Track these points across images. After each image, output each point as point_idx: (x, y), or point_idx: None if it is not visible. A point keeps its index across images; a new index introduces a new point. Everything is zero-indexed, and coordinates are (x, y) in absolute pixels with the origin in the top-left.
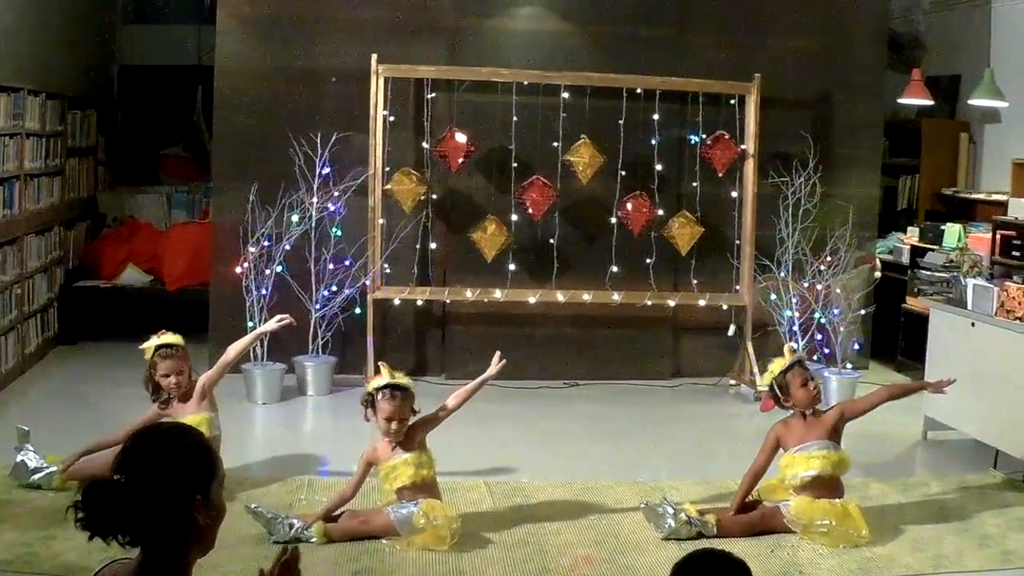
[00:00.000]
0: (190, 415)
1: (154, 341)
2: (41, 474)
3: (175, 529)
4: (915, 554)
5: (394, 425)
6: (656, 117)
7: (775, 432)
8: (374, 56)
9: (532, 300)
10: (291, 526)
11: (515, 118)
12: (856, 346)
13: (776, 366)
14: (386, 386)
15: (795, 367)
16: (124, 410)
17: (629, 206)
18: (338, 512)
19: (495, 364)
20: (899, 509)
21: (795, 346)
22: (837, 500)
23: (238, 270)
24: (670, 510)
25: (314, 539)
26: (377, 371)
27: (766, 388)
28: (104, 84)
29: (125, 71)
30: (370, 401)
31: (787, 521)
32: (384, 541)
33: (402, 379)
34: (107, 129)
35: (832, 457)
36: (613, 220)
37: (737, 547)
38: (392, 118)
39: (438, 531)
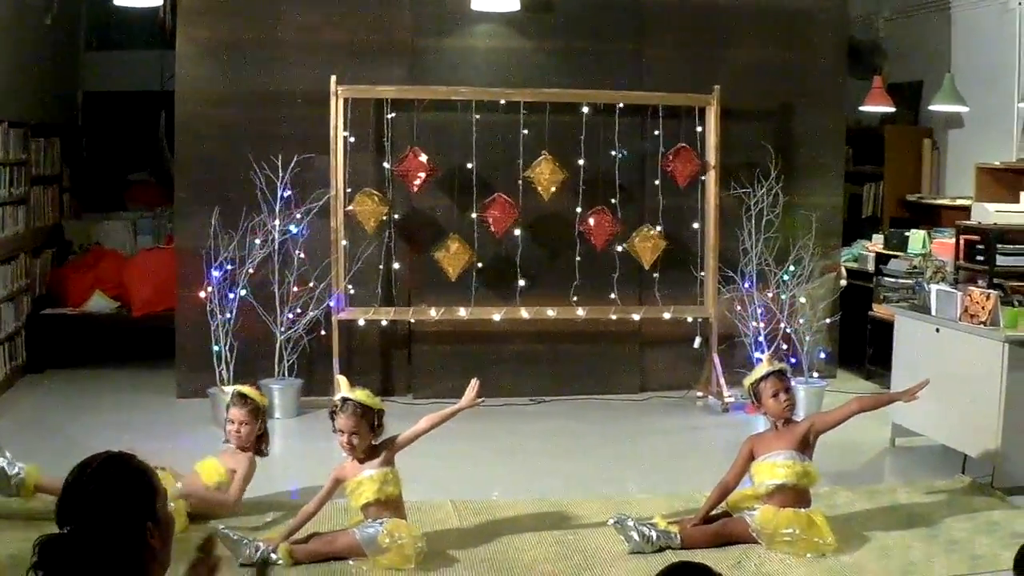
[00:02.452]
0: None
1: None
2: (14, 471)
3: (134, 561)
4: (882, 561)
5: (346, 439)
6: (617, 131)
7: (748, 445)
8: (333, 77)
9: (497, 318)
10: (257, 548)
11: (475, 136)
12: (823, 355)
13: (756, 372)
14: (341, 399)
15: (771, 376)
16: (94, 438)
17: (591, 221)
18: (306, 535)
19: (470, 394)
20: (866, 516)
21: (788, 365)
22: (803, 509)
23: (202, 295)
24: (634, 524)
25: (280, 561)
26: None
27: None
28: (68, 111)
29: (89, 97)
30: (332, 414)
31: (752, 530)
32: (350, 562)
33: (360, 393)
34: (72, 156)
35: (797, 468)
36: (576, 235)
37: (703, 558)
38: (352, 139)
39: (403, 550)
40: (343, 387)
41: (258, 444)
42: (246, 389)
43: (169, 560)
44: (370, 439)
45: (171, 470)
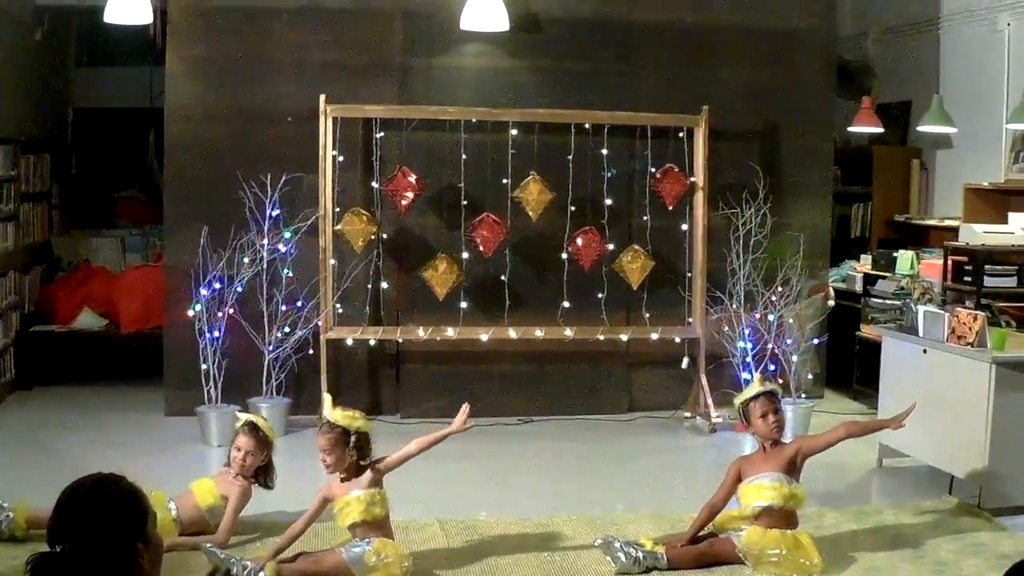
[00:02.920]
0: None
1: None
2: (2, 515)
3: None
4: None
5: (322, 458)
6: (605, 151)
7: (736, 465)
8: (322, 96)
9: (485, 337)
10: (245, 567)
11: (464, 156)
12: (811, 375)
13: (746, 392)
14: (320, 419)
15: (761, 397)
16: (82, 456)
17: (579, 241)
18: (293, 554)
19: (460, 418)
20: (853, 537)
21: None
22: (789, 530)
23: (190, 313)
24: (621, 545)
25: None
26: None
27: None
28: (58, 127)
29: (79, 114)
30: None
31: (738, 551)
32: None
33: (337, 414)
34: (61, 172)
35: (783, 490)
36: (564, 255)
37: None
38: (341, 158)
39: (389, 569)
40: (326, 407)
41: (262, 475)
42: (259, 420)
43: None
44: (348, 459)
45: (160, 492)
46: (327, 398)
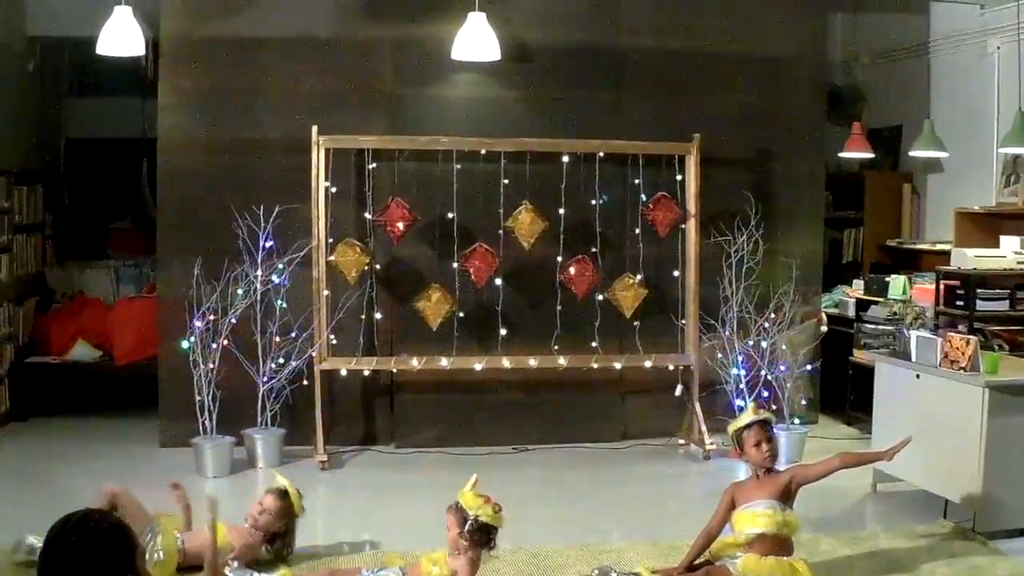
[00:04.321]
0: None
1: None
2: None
3: None
4: None
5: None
6: (597, 180)
7: (730, 492)
8: (315, 127)
9: (478, 367)
10: None
11: (456, 185)
12: (804, 401)
13: (740, 420)
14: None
15: (753, 426)
16: (77, 487)
17: (572, 270)
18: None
19: None
20: (849, 563)
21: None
22: (785, 557)
23: (184, 344)
24: (616, 574)
25: None
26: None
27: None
28: (50, 158)
29: (72, 145)
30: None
31: None
32: None
33: (469, 497)
34: (54, 203)
35: (777, 517)
36: (557, 284)
37: None
38: (334, 189)
39: None
40: (468, 484)
41: (277, 541)
42: (292, 490)
43: None
44: (461, 540)
45: (173, 518)
46: (473, 478)
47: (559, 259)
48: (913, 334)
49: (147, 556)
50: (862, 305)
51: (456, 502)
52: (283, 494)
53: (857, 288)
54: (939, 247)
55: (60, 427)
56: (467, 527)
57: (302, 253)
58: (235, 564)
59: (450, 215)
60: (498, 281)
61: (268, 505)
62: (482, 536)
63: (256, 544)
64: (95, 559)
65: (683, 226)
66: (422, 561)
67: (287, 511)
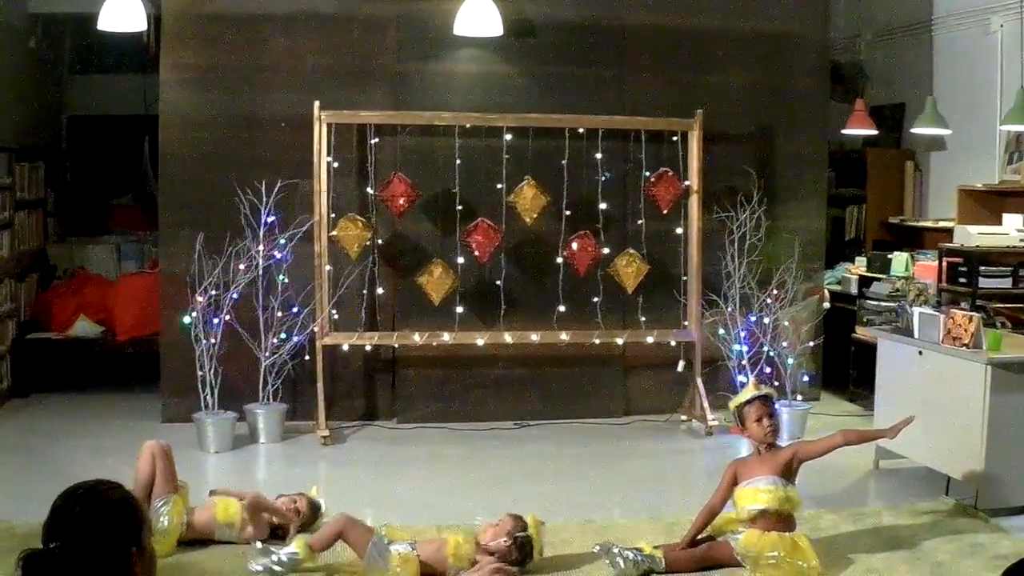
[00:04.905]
0: None
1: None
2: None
3: None
4: None
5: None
6: (599, 156)
7: (732, 468)
8: (317, 103)
9: (480, 342)
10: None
11: (459, 161)
12: (806, 378)
13: (741, 396)
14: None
15: (755, 401)
16: (79, 463)
17: (574, 245)
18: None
19: None
20: (851, 539)
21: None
22: (787, 533)
23: (186, 319)
24: (619, 550)
25: (298, 554)
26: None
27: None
28: (52, 135)
29: (74, 121)
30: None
31: (736, 554)
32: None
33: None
34: (56, 180)
35: (780, 493)
36: (559, 260)
37: None
38: (336, 164)
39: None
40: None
41: (280, 531)
42: (323, 510)
43: None
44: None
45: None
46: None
47: (561, 235)
48: (916, 311)
49: (154, 522)
50: (864, 282)
51: (520, 516)
52: (317, 508)
53: (859, 265)
54: (941, 225)
55: (62, 403)
56: (517, 534)
57: (304, 228)
58: (258, 544)
59: (452, 190)
60: (500, 256)
61: (301, 506)
62: (519, 551)
63: (265, 528)
64: (99, 530)
65: (685, 202)
66: (449, 539)
67: (308, 519)
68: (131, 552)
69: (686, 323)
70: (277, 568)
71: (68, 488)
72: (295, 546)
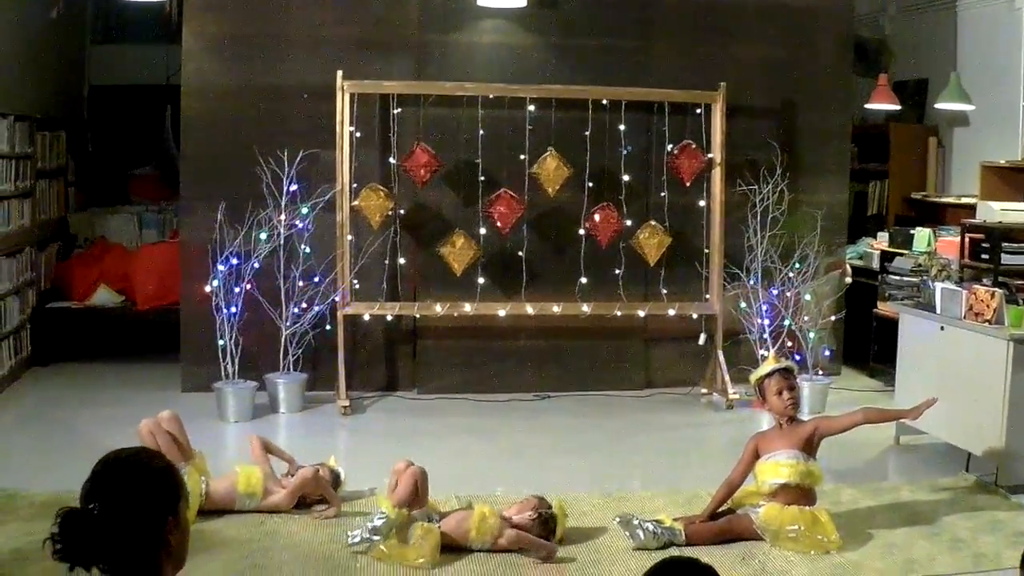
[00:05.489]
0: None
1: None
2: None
3: (151, 552)
4: (886, 559)
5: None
6: (622, 128)
7: (753, 442)
8: (339, 73)
9: (502, 313)
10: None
11: (481, 132)
12: (827, 352)
13: (762, 369)
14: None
15: (775, 374)
16: (98, 432)
17: (597, 217)
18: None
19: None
20: (870, 514)
21: (794, 363)
22: (807, 507)
23: (207, 289)
24: (639, 522)
25: (389, 516)
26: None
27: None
28: (73, 105)
29: (95, 91)
30: None
31: (756, 527)
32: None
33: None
34: (77, 149)
35: (800, 467)
36: (581, 231)
37: (707, 555)
38: (358, 134)
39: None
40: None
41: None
42: (343, 480)
43: (183, 562)
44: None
45: (203, 458)
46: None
47: (583, 206)
48: (938, 286)
49: None
50: (886, 257)
51: (545, 498)
52: (337, 478)
53: (882, 240)
54: (964, 201)
55: (81, 372)
56: (542, 509)
57: (326, 198)
58: (357, 534)
59: (475, 161)
60: (522, 227)
61: (324, 474)
62: (543, 527)
63: (290, 502)
64: (139, 496)
65: (708, 175)
66: (474, 511)
67: (330, 488)
68: (167, 520)
69: (708, 296)
70: (375, 537)
71: (110, 453)
72: (383, 508)
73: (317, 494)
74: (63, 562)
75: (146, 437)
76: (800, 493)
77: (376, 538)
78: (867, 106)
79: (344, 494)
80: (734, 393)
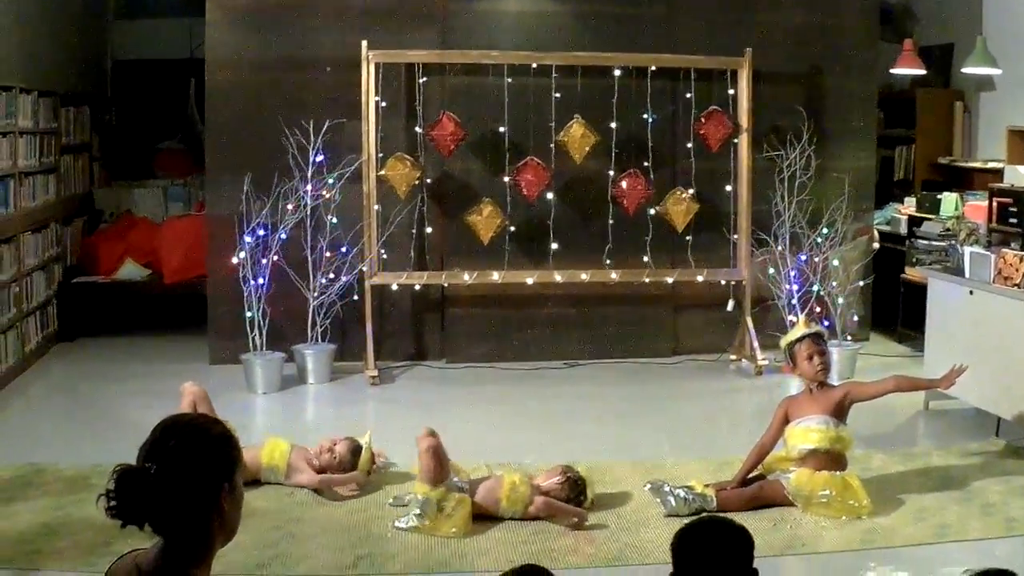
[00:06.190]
0: None
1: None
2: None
3: (203, 517)
4: (917, 524)
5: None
6: (648, 95)
7: (783, 407)
8: (364, 42)
9: (530, 281)
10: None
11: (507, 100)
12: (855, 318)
13: (792, 334)
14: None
15: (806, 339)
16: (126, 407)
17: (624, 184)
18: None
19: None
20: (901, 479)
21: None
22: (838, 472)
23: (234, 261)
24: (670, 489)
25: (427, 498)
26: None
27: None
28: (97, 79)
29: (118, 66)
30: None
31: (787, 493)
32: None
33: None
34: (101, 124)
35: (831, 433)
36: (608, 199)
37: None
38: (384, 104)
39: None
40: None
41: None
42: (367, 452)
43: (234, 531)
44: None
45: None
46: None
47: (610, 174)
48: (967, 250)
49: None
50: (914, 222)
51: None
52: (356, 450)
53: (909, 205)
54: (990, 165)
55: (108, 347)
56: (569, 474)
57: (352, 168)
58: (403, 520)
59: (501, 129)
60: (549, 195)
61: (339, 449)
62: (573, 488)
63: (318, 483)
64: (197, 460)
65: (735, 141)
66: (504, 479)
67: (350, 466)
68: (223, 487)
69: (736, 262)
70: (425, 521)
71: (169, 417)
72: (419, 493)
73: (329, 469)
74: (115, 519)
75: (187, 401)
76: (830, 458)
77: (425, 521)
78: (893, 71)
79: (381, 464)
80: (763, 359)
